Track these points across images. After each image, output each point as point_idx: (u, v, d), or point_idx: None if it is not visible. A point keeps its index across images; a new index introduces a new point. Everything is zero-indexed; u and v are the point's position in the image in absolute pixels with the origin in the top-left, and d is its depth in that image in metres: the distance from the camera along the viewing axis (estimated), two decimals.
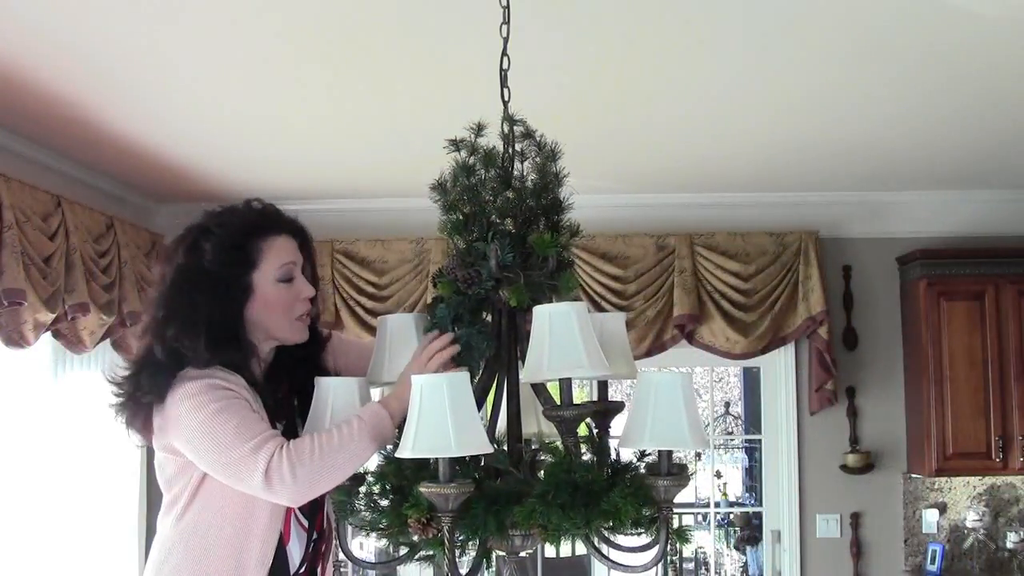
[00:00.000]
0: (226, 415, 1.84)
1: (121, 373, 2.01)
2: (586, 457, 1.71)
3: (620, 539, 1.73)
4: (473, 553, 1.73)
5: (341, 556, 1.87)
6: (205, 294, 1.93)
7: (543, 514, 1.58)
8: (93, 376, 4.31)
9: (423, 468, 1.65)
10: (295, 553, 2.02)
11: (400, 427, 1.75)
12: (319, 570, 2.09)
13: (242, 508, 1.94)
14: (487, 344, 1.83)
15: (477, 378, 1.84)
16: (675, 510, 1.64)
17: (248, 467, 1.79)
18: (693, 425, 1.56)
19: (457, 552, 1.64)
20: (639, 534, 1.69)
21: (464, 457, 1.65)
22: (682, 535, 1.69)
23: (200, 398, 1.86)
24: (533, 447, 1.86)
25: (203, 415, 1.84)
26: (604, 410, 1.86)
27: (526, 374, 1.71)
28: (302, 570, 2.04)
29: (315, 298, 2.10)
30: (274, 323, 2.01)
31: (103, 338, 4.10)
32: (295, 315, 2.03)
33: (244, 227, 2.00)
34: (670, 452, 1.60)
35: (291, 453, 1.77)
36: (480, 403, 1.83)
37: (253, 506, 1.93)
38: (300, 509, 2.00)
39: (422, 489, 1.59)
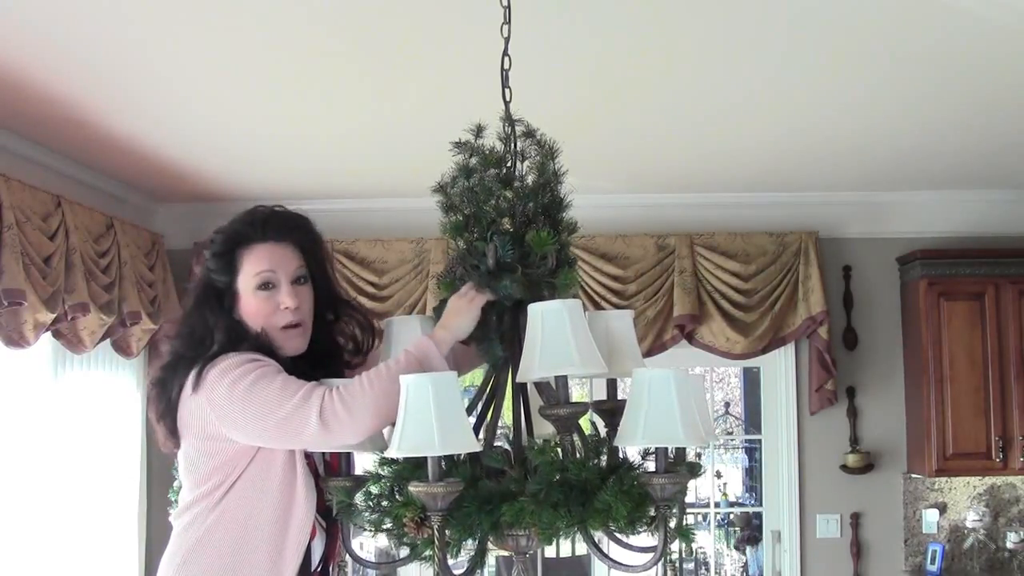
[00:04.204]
0: (266, 380, 1.87)
1: (155, 375, 2.07)
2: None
3: (631, 539, 1.72)
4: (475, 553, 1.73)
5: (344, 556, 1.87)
6: (206, 303, 2.02)
7: (534, 513, 1.57)
8: (93, 376, 4.31)
9: (423, 467, 1.65)
10: (316, 551, 2.03)
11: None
12: (331, 568, 2.11)
13: (280, 491, 1.95)
14: (494, 346, 1.83)
15: (492, 378, 1.85)
16: (674, 510, 1.63)
17: (302, 416, 1.80)
18: (687, 421, 1.54)
19: (453, 551, 1.64)
20: (638, 533, 1.68)
21: (460, 456, 1.65)
22: (685, 534, 1.68)
23: (236, 371, 1.88)
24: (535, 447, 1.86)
25: (243, 385, 1.86)
26: (612, 409, 1.85)
27: (519, 373, 1.71)
28: (319, 568, 2.06)
29: (339, 306, 2.13)
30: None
31: (103, 338, 4.10)
32: (278, 324, 2.02)
33: (230, 235, 2.05)
34: (667, 449, 1.59)
35: (341, 392, 1.80)
36: (489, 402, 1.84)
37: (292, 489, 1.95)
38: (319, 512, 2.00)
39: (411, 488, 1.59)
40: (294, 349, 2.04)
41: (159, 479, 4.70)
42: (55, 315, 3.57)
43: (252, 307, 2.01)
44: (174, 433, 1.99)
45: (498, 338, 1.84)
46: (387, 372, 1.79)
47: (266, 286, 2.01)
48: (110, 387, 4.43)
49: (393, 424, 1.65)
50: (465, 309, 1.82)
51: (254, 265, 2.02)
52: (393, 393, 1.66)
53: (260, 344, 1.98)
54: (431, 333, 1.85)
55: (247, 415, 1.86)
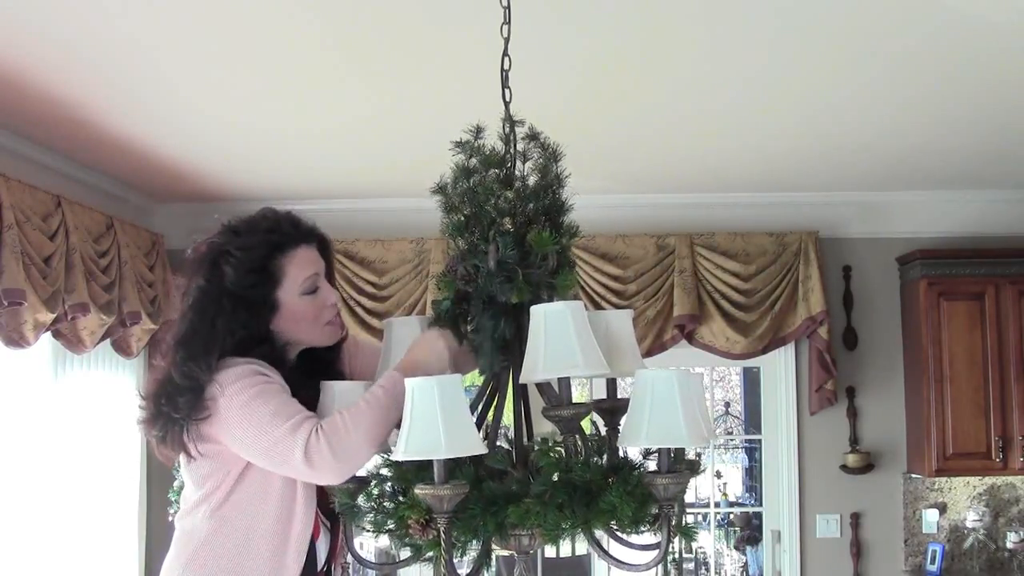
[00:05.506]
0: (263, 399, 1.85)
1: (149, 388, 1.99)
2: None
3: (632, 537, 1.72)
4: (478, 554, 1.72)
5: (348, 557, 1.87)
6: (227, 315, 1.94)
7: (539, 514, 1.57)
8: (93, 376, 4.31)
9: (425, 469, 1.64)
10: (321, 551, 2.03)
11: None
12: (334, 568, 2.11)
13: (281, 497, 1.95)
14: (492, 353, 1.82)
15: (488, 377, 1.84)
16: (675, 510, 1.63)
17: (287, 448, 1.79)
18: (691, 422, 1.54)
19: (457, 553, 1.64)
20: (640, 532, 1.68)
21: (464, 458, 1.65)
22: (687, 533, 1.68)
23: (241, 383, 1.87)
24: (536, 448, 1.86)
25: (243, 399, 1.85)
26: (612, 408, 1.85)
27: (523, 374, 1.71)
28: (324, 568, 2.06)
29: None
30: (305, 332, 2.03)
31: (103, 338, 4.10)
32: (324, 321, 2.05)
33: (264, 247, 1.99)
34: (670, 450, 1.59)
35: (326, 431, 1.78)
36: (489, 403, 1.83)
37: (293, 494, 1.95)
38: (322, 510, 2.00)
39: (417, 490, 1.59)
40: (333, 340, 2.08)
41: (159, 479, 4.70)
42: (55, 315, 3.56)
43: (299, 311, 1.99)
44: (178, 445, 1.93)
45: (496, 342, 1.83)
46: (366, 408, 1.77)
47: (313, 289, 2.02)
48: (110, 387, 4.43)
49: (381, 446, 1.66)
50: (437, 350, 1.81)
51: (301, 270, 2.01)
52: (373, 432, 1.73)
53: (272, 350, 1.97)
54: (398, 364, 1.83)
55: (242, 429, 1.85)
